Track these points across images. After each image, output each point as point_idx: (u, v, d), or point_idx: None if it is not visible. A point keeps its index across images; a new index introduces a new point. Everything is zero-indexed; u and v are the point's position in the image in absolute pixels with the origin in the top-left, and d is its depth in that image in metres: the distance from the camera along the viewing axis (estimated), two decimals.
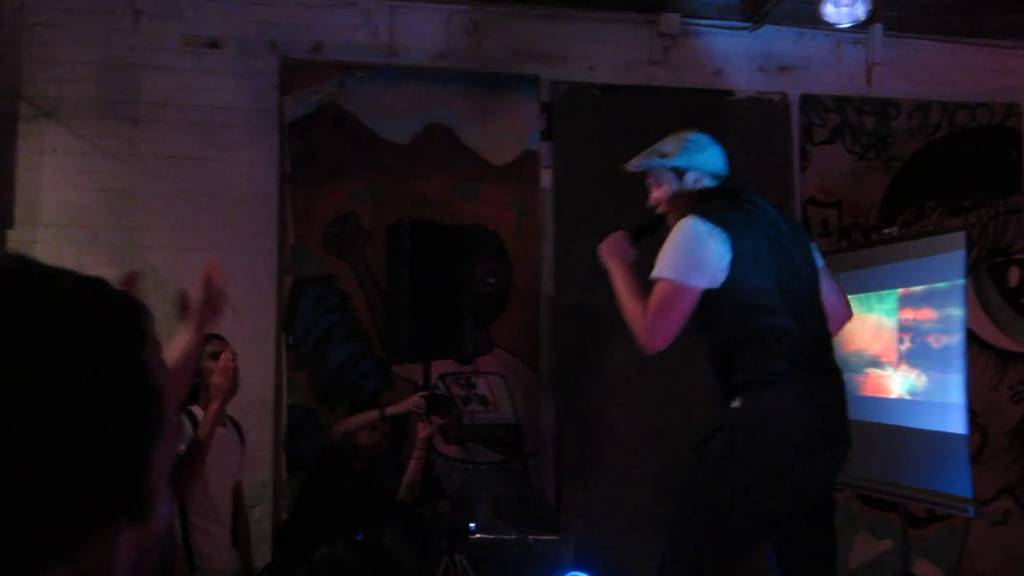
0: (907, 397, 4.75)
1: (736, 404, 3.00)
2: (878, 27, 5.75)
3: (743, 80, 5.96)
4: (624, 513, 5.30)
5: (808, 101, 5.99)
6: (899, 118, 6.07)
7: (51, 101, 5.30)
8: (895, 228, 5.45)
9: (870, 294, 5.12)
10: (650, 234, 3.33)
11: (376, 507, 4.48)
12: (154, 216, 5.29)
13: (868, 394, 5.06)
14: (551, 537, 4.63)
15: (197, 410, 4.07)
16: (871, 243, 5.67)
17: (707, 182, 3.26)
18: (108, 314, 0.67)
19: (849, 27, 5.54)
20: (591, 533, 5.08)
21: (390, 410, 4.66)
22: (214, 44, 5.44)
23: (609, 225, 5.44)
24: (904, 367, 4.78)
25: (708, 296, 3.01)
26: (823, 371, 3.10)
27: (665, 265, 3.01)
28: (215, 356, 4.02)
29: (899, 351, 4.82)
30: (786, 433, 2.94)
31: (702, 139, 3.32)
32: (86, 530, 0.62)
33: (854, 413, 5.22)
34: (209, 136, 5.38)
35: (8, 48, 5.28)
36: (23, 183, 5.26)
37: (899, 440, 4.78)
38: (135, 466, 0.65)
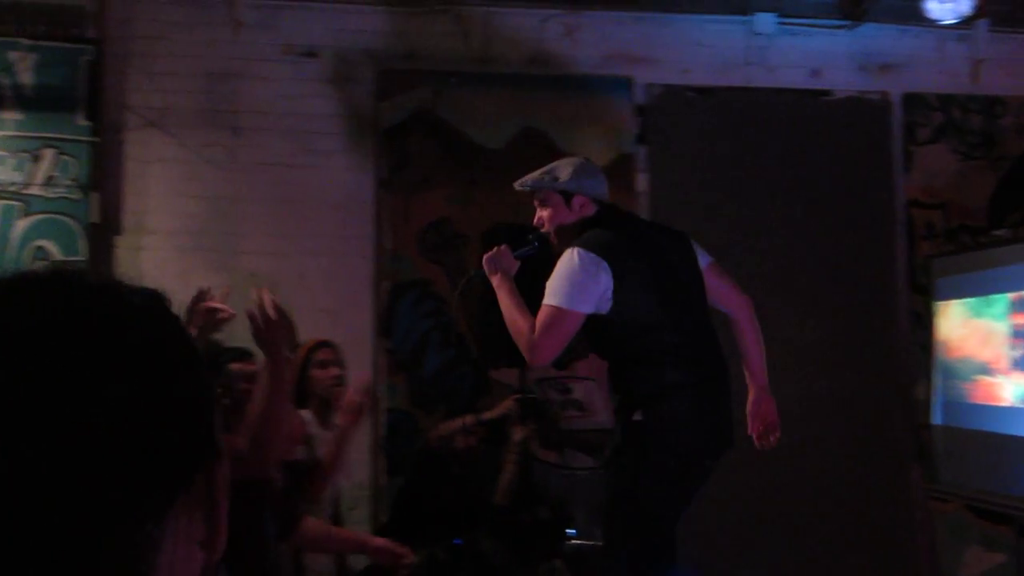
0: (1020, 405, 4.59)
1: (638, 417, 3.31)
2: (983, 22, 5.58)
3: (842, 80, 5.84)
4: (723, 521, 5.23)
5: (911, 100, 5.84)
6: (1006, 116, 5.88)
7: (156, 112, 5.45)
8: (1005, 230, 5.28)
9: (979, 298, 4.97)
10: (531, 251, 3.61)
11: (473, 511, 4.50)
12: (254, 222, 5.40)
13: (978, 402, 4.91)
14: None
15: (309, 417, 4.20)
16: (979, 245, 5.50)
17: (591, 208, 3.50)
18: (161, 302, 0.82)
19: (953, 23, 5.39)
20: (689, 541, 5.01)
21: (486, 415, 4.69)
22: (311, 53, 5.53)
23: (705, 227, 5.43)
24: (1016, 374, 4.62)
25: (597, 320, 3.32)
26: (710, 380, 3.42)
27: (552, 292, 3.29)
28: (323, 365, 4.16)
29: (1011, 357, 4.67)
30: (681, 441, 3.33)
31: (591, 166, 3.64)
32: (195, 464, 0.76)
33: (962, 421, 5.12)
34: (307, 143, 5.47)
35: (115, 61, 5.44)
36: (130, 191, 5.42)
37: (1012, 450, 4.62)
38: (211, 413, 0.79)
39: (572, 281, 3.28)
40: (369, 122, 5.49)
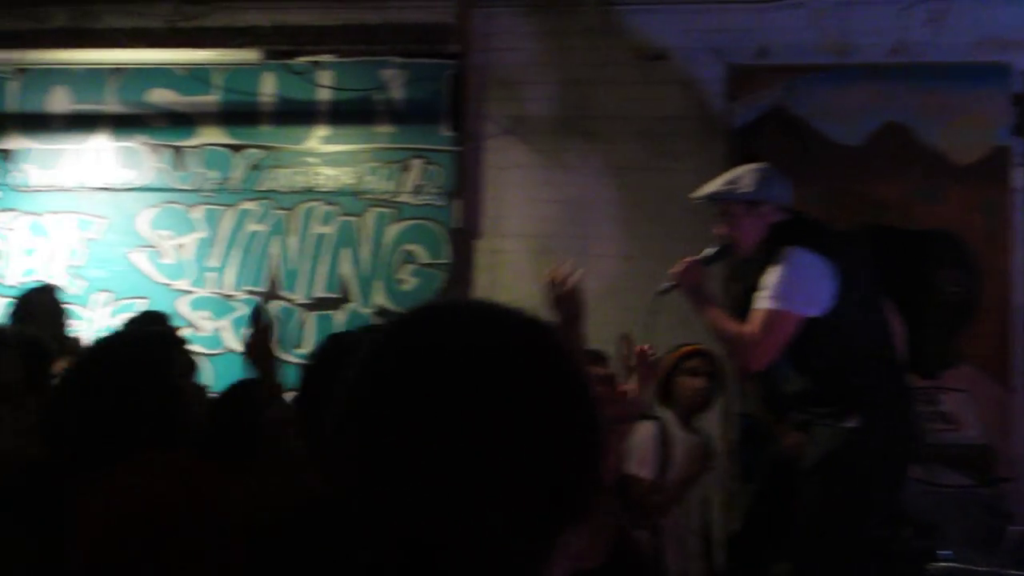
0: None
1: (852, 424, 3.28)
2: None
3: None
4: None
5: None
6: None
7: (513, 120, 5.72)
8: None
9: None
10: (720, 261, 3.63)
11: None
12: (606, 226, 5.54)
13: None
14: None
15: (670, 418, 4.30)
16: None
17: (777, 215, 3.45)
18: (560, 360, 0.85)
19: None
20: None
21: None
22: (662, 56, 5.57)
23: None
24: None
25: (811, 321, 3.29)
26: (907, 387, 3.49)
27: (773, 293, 3.27)
28: (693, 373, 4.26)
29: None
30: (894, 447, 3.34)
31: (774, 172, 3.55)
32: (593, 489, 0.82)
33: None
34: (657, 146, 5.51)
35: (476, 73, 5.76)
36: (489, 197, 5.73)
37: None
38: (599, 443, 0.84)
39: (792, 282, 3.27)
40: (720, 122, 5.47)
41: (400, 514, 0.77)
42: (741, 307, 3.54)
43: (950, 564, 4.25)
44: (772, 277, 3.31)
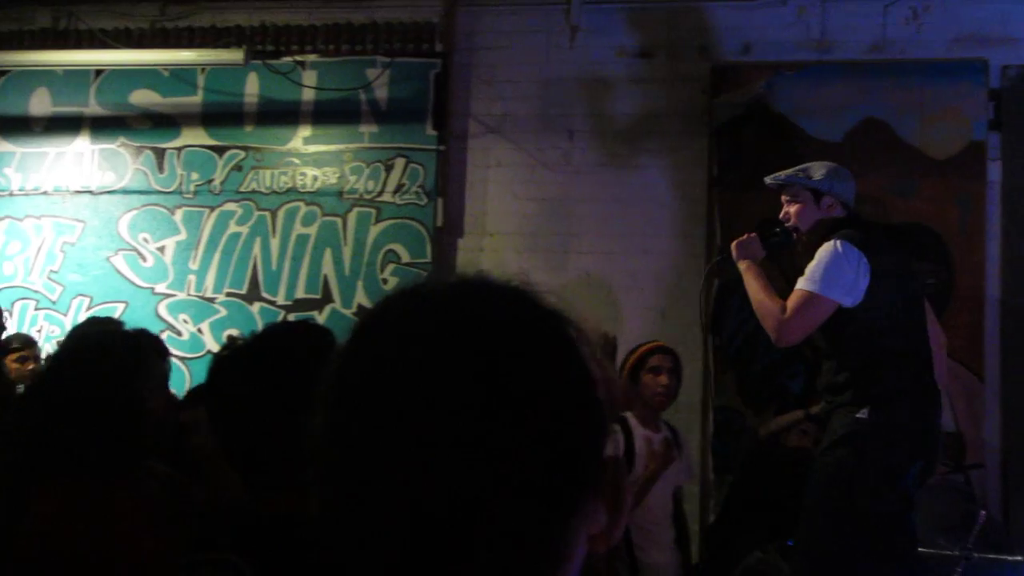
0: None
1: (862, 415, 3.64)
2: None
3: None
4: None
5: None
6: None
7: (496, 118, 6.14)
8: None
9: None
10: (779, 243, 4.04)
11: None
12: (588, 223, 5.92)
13: None
14: (998, 556, 4.62)
15: (631, 418, 4.56)
16: None
17: (838, 210, 3.89)
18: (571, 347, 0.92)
19: None
20: None
21: (815, 410, 4.89)
22: (646, 54, 6.01)
23: None
24: None
25: (843, 313, 3.67)
26: (929, 390, 3.78)
27: (809, 278, 3.68)
28: (656, 371, 4.54)
29: None
30: (899, 443, 3.63)
31: (844, 171, 3.97)
32: (600, 459, 0.89)
33: None
34: (639, 143, 5.91)
35: (461, 72, 6.20)
36: (472, 195, 6.13)
37: None
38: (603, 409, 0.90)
39: (832, 270, 3.65)
40: (702, 119, 5.83)
41: (414, 505, 0.81)
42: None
43: (921, 549, 4.63)
44: (813, 263, 3.73)
